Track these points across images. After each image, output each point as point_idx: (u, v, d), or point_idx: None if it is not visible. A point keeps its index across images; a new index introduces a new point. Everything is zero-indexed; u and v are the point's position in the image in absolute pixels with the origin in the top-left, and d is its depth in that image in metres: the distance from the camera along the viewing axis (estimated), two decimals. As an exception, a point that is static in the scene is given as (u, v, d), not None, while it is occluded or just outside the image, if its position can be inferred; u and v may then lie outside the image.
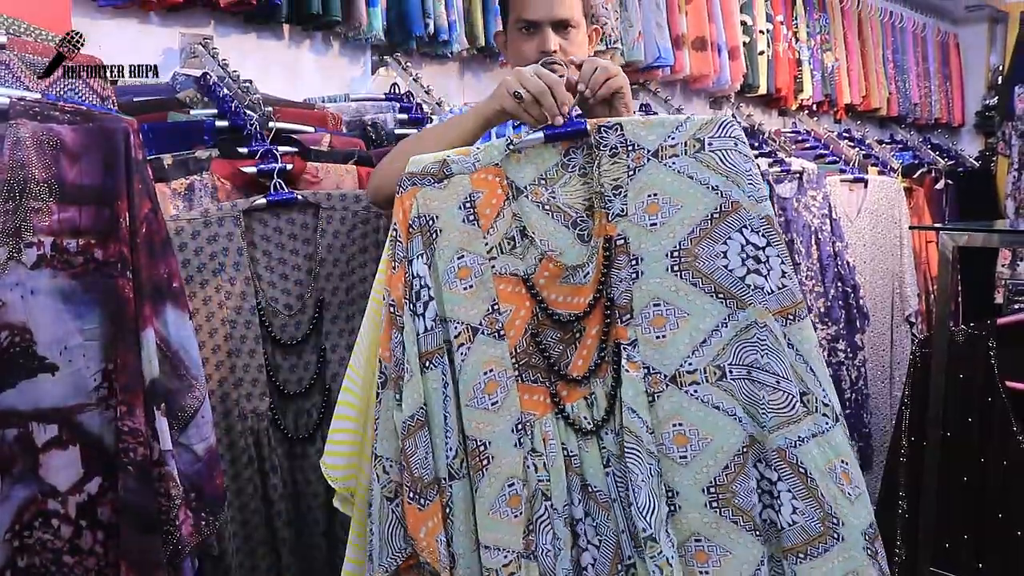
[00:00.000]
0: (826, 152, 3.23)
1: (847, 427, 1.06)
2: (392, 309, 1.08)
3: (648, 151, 1.08)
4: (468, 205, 1.09)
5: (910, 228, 2.98)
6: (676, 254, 1.06)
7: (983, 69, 5.33)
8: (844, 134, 3.68)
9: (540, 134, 1.11)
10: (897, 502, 1.81)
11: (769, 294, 1.05)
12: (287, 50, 2.24)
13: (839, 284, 2.66)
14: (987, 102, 5.19)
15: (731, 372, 1.05)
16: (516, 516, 1.05)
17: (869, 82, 4.26)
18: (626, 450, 1.05)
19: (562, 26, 1.48)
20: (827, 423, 1.03)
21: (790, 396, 1.03)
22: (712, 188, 1.06)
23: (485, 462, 1.05)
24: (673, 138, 1.07)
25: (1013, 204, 3.59)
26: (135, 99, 1.59)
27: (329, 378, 1.47)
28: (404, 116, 1.99)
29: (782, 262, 1.05)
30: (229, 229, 1.40)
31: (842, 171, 2.98)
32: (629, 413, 1.05)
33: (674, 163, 1.07)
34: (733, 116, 1.06)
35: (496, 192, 1.10)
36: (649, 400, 1.06)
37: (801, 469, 1.02)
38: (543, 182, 1.12)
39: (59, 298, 1.06)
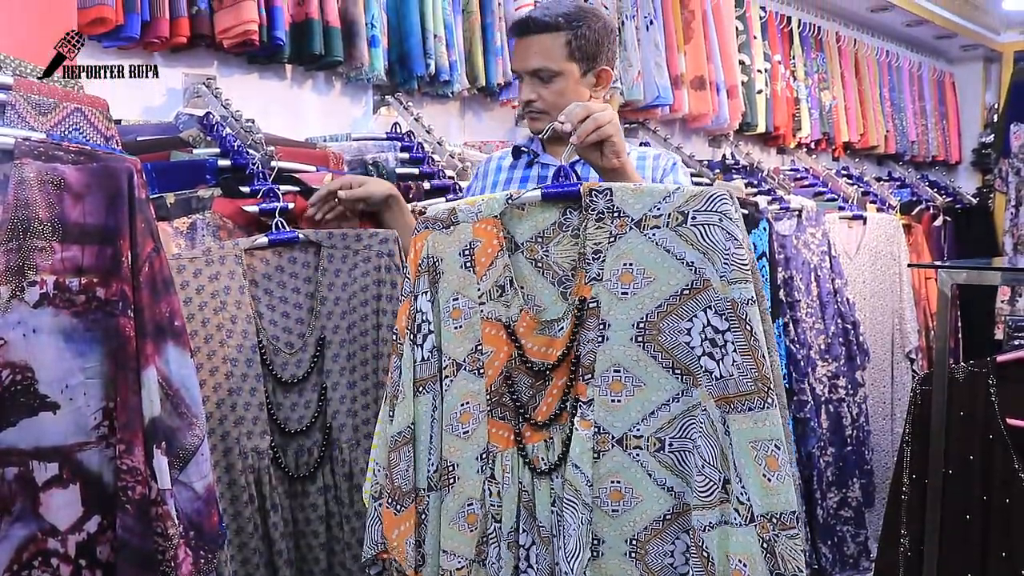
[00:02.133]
0: (825, 190, 3.29)
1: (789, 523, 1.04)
2: (395, 337, 1.21)
3: (632, 219, 1.11)
4: (467, 252, 1.18)
5: (909, 266, 3.02)
6: (642, 325, 1.10)
7: (979, 107, 5.39)
8: (842, 172, 3.74)
9: (538, 192, 1.17)
10: (899, 540, 1.79)
11: (716, 379, 1.06)
12: (289, 90, 2.28)
13: (839, 321, 2.70)
14: (983, 139, 5.24)
15: (670, 445, 1.10)
16: (471, 531, 1.18)
17: (867, 120, 4.32)
18: (565, 500, 1.13)
19: (540, 76, 1.52)
20: (737, 518, 1.05)
21: (711, 482, 1.07)
22: (687, 264, 1.08)
23: (452, 481, 1.18)
24: (659, 209, 1.10)
25: (1011, 240, 3.64)
26: (138, 138, 1.63)
27: (330, 416, 1.49)
28: (405, 155, 2.05)
29: (735, 350, 1.05)
30: (231, 267, 1.43)
31: (841, 208, 3.03)
32: (572, 468, 1.12)
33: (654, 234, 1.10)
34: (727, 193, 1.07)
35: (493, 242, 1.17)
36: (595, 456, 1.12)
37: (705, 553, 1.06)
38: (540, 240, 1.18)
39: (61, 337, 1.06)
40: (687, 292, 1.09)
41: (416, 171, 2.02)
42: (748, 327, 1.05)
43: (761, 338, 1.06)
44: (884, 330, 2.99)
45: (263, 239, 1.48)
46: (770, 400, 1.04)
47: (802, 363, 2.55)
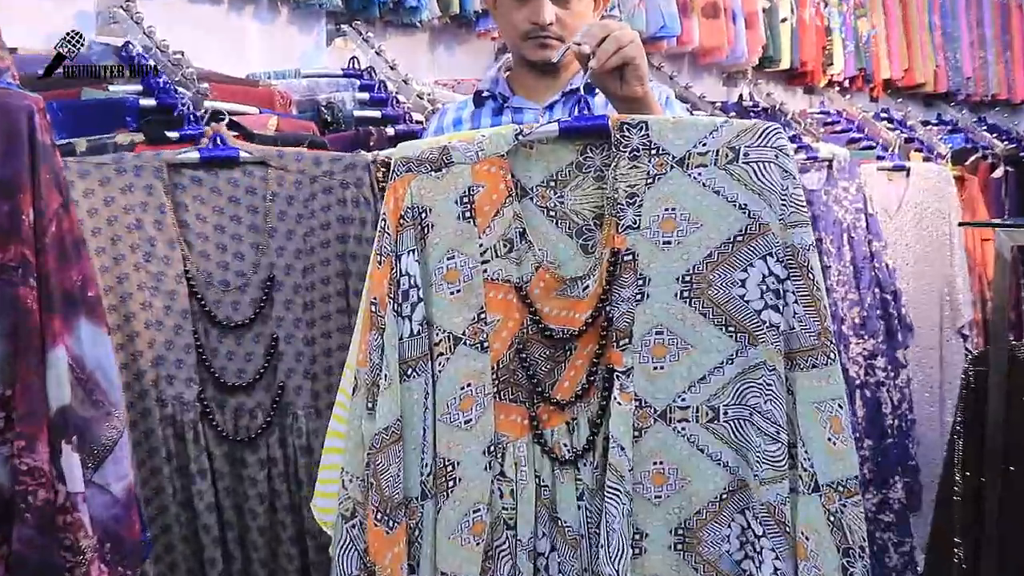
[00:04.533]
0: (860, 136, 3.30)
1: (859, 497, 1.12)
2: (374, 308, 1.15)
3: (673, 157, 1.13)
4: (466, 200, 1.15)
5: (960, 225, 3.05)
6: (688, 278, 1.13)
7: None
8: (882, 115, 3.76)
9: (554, 126, 1.15)
10: (952, 549, 1.81)
11: (782, 333, 1.11)
12: (226, 17, 2.25)
13: (876, 290, 2.72)
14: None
15: (725, 414, 1.14)
16: (478, 544, 1.15)
17: (912, 53, 4.32)
18: (607, 489, 1.13)
19: None
20: (801, 487, 1.11)
21: (781, 448, 1.12)
22: (740, 207, 1.11)
23: (451, 483, 1.15)
24: (705, 144, 1.12)
25: (1084, 194, 3.67)
26: (41, 72, 1.57)
27: (283, 374, 1.48)
28: (365, 95, 2.02)
29: (797, 301, 1.10)
30: (148, 181, 1.41)
31: (880, 158, 3.04)
32: (616, 450, 1.13)
33: (700, 174, 1.12)
34: (780, 123, 1.10)
35: (499, 187, 1.16)
36: (635, 435, 1.14)
37: (788, 528, 1.11)
38: (553, 184, 1.18)
39: (-55, 311, 1.03)
40: (741, 238, 1.12)
41: (378, 114, 2.00)
42: (811, 276, 1.10)
43: (822, 288, 1.11)
44: (931, 301, 3.02)
45: (193, 153, 1.44)
46: (832, 355, 1.11)
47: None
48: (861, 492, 1.12)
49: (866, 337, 2.68)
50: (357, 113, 1.96)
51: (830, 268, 2.62)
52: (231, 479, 1.49)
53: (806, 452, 1.10)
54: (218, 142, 1.47)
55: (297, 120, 1.87)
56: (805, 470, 1.11)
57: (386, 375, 1.13)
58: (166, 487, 1.42)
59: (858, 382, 2.66)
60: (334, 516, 1.19)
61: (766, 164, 1.10)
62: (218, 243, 1.48)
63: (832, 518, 1.10)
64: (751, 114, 3.09)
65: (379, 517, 1.12)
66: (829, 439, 1.09)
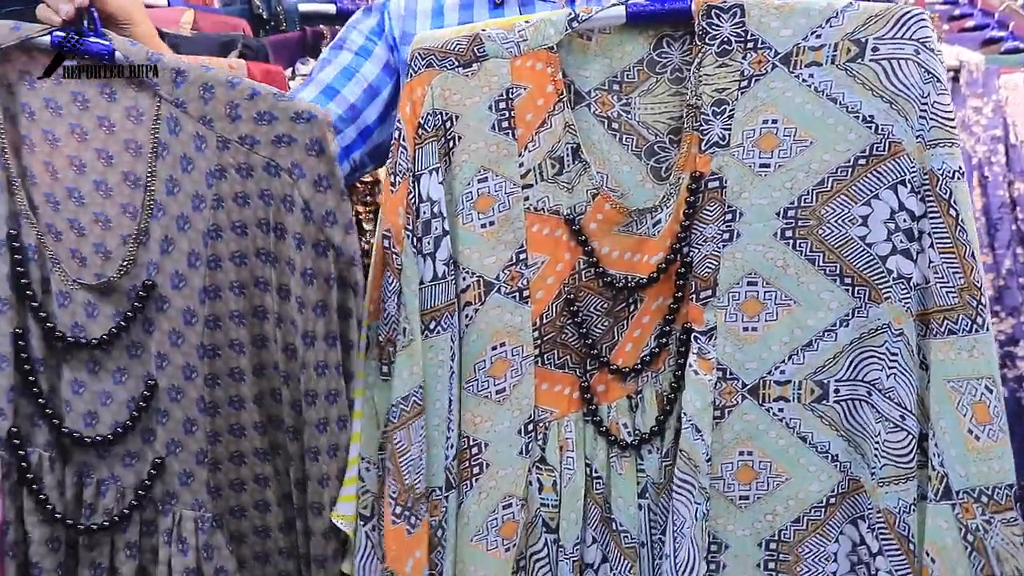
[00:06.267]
0: (1002, 35, 3.25)
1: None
2: (387, 243, 1.12)
3: (776, 53, 1.09)
4: (503, 105, 1.13)
5: None
6: (793, 213, 1.10)
7: None
8: (1035, 4, 3.70)
9: (619, 10, 1.12)
10: None
11: (915, 288, 1.08)
12: None
13: (1019, 251, 2.70)
14: None
15: (836, 392, 1.12)
16: (507, 549, 1.14)
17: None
18: (676, 483, 1.12)
19: None
20: (928, 492, 1.08)
21: (910, 439, 1.08)
22: (864, 120, 1.08)
23: (476, 470, 1.15)
24: (819, 36, 1.08)
25: None
26: None
27: (162, 443, 1.18)
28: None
29: (933, 245, 1.07)
30: None
31: (1027, 65, 3.00)
32: (690, 432, 1.11)
33: (812, 75, 1.08)
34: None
35: (545, 89, 1.13)
36: (716, 416, 1.12)
37: (912, 546, 1.08)
38: (616, 87, 1.15)
39: None
40: (864, 161, 1.08)
41: (331, 8, 1.94)
42: (953, 212, 1.06)
43: (971, 230, 1.06)
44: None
45: (43, 38, 1.16)
46: (980, 320, 1.06)
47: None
48: (1017, 508, 1.06)
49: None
50: (303, 7, 1.91)
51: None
52: None
53: (936, 446, 1.07)
54: (87, 26, 1.18)
55: (221, 16, 1.81)
56: (935, 469, 1.07)
57: (405, 329, 1.11)
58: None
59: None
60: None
61: (902, 62, 1.06)
62: (74, 187, 1.18)
63: (969, 537, 1.06)
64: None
65: (398, 512, 1.11)
66: (970, 431, 1.05)
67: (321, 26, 1.87)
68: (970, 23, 3.37)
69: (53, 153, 1.19)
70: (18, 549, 1.20)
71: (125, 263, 1.18)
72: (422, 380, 1.11)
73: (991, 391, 1.06)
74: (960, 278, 1.06)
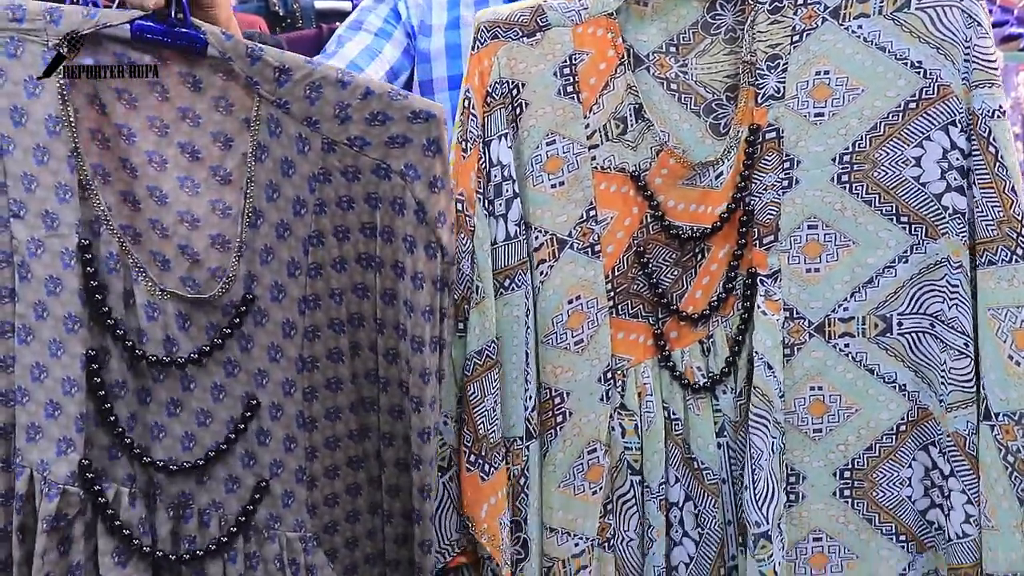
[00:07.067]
0: (1020, 32, 3.28)
1: None
2: (460, 206, 1.18)
3: (825, 7, 1.16)
4: (567, 71, 1.19)
5: None
6: (848, 158, 1.16)
7: None
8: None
9: None
10: None
11: (969, 222, 1.15)
12: None
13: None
14: None
15: (900, 325, 1.18)
16: (595, 492, 1.20)
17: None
18: (752, 417, 1.18)
19: None
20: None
21: (974, 365, 1.14)
22: (912, 65, 1.14)
23: (560, 419, 1.20)
24: None
25: None
26: None
27: (265, 464, 1.12)
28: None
29: (976, 181, 1.13)
30: (32, 61, 1.03)
31: (1051, 63, 3.02)
32: (763, 369, 1.18)
33: (861, 27, 1.15)
34: None
35: (607, 54, 1.19)
36: (786, 354, 1.18)
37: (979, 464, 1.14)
38: (673, 49, 1.21)
39: None
40: (915, 105, 1.15)
41: (348, 5, 1.88)
42: (993, 149, 1.12)
43: (1011, 166, 1.12)
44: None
45: (122, 23, 1.05)
46: (1020, 251, 1.12)
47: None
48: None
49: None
50: (319, 4, 1.88)
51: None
52: None
53: (977, 370, 1.14)
54: (175, 14, 1.06)
55: (238, 13, 1.73)
56: (976, 392, 1.14)
57: (478, 287, 1.17)
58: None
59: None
60: None
61: (946, 9, 1.12)
62: (155, 186, 1.09)
63: (1010, 458, 1.12)
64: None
65: (472, 460, 1.16)
66: (1010, 356, 1.11)
67: (337, 23, 1.88)
68: (992, 18, 3.38)
69: (130, 150, 1.08)
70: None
71: (227, 279, 1.10)
72: (495, 335, 1.17)
73: None
74: (999, 211, 1.12)
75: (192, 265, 1.10)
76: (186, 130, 1.09)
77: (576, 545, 1.20)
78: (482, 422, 1.16)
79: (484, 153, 1.18)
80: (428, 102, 1.10)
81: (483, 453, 1.16)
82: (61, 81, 1.03)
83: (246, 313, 1.10)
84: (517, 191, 1.19)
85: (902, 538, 1.20)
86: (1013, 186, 1.11)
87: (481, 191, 1.18)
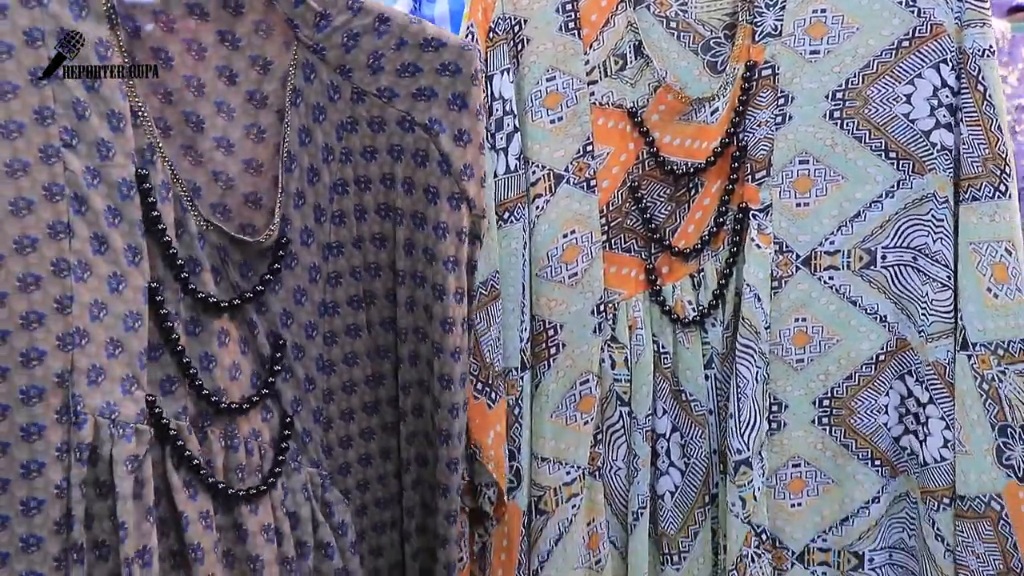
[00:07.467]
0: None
1: None
2: None
3: None
4: (569, 7, 1.21)
5: None
6: (840, 95, 1.19)
7: None
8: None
9: None
10: None
11: (954, 159, 1.17)
12: None
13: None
14: None
15: (884, 258, 1.21)
16: (586, 423, 1.23)
17: None
18: (739, 349, 1.22)
19: None
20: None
21: (951, 298, 1.18)
22: (907, 4, 1.16)
23: (553, 350, 1.23)
24: None
25: None
26: None
27: (288, 402, 1.12)
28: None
29: (964, 119, 1.16)
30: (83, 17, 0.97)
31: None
32: (752, 300, 1.21)
33: None
34: None
35: None
36: (773, 286, 1.22)
37: (961, 394, 1.18)
38: None
39: None
40: (907, 43, 1.17)
41: None
42: (981, 88, 1.15)
43: (998, 104, 1.15)
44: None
45: None
46: (1003, 188, 1.15)
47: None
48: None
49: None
50: None
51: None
52: (230, 557, 1.09)
53: (956, 302, 1.18)
54: None
55: None
56: (954, 323, 1.18)
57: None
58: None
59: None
60: None
61: None
62: (190, 145, 1.06)
63: (984, 386, 1.16)
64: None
65: (479, 388, 1.18)
66: (988, 289, 1.15)
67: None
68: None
69: (165, 109, 1.05)
70: (169, 537, 1.06)
71: (272, 224, 1.09)
72: (498, 266, 1.19)
73: (1010, 253, 1.15)
74: (985, 149, 1.15)
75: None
76: (222, 89, 1.07)
77: (568, 474, 1.23)
78: (488, 351, 1.18)
79: (486, 87, 1.20)
80: (460, 51, 1.09)
81: (489, 381, 1.19)
82: (107, 2, 0.99)
83: (283, 257, 1.10)
84: (518, 125, 1.21)
85: (876, 463, 1.23)
86: (999, 124, 1.15)
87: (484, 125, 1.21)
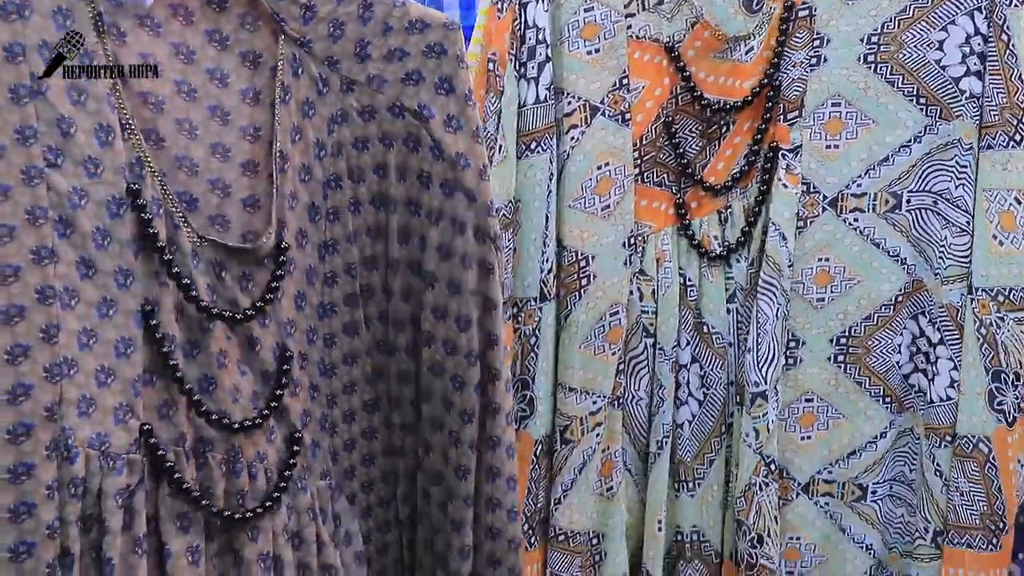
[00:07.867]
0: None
1: None
2: (491, 66, 1.20)
3: None
4: None
5: None
6: (875, 39, 1.21)
7: None
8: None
9: None
10: None
11: (978, 106, 1.19)
12: None
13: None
14: None
15: (908, 202, 1.24)
16: (614, 353, 1.25)
17: None
18: (761, 285, 1.24)
19: None
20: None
21: (970, 240, 1.21)
22: None
23: (584, 281, 1.25)
24: None
25: None
26: None
27: (296, 414, 1.07)
28: None
29: (988, 69, 1.18)
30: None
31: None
32: (777, 238, 1.24)
33: None
34: None
35: None
36: (799, 226, 1.25)
37: (985, 338, 1.21)
38: None
39: None
40: None
41: None
42: (1005, 37, 1.17)
43: (1021, 54, 1.17)
44: None
45: None
46: (1019, 137, 1.18)
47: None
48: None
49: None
50: None
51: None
52: None
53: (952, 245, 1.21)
54: None
55: None
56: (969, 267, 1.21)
57: (501, 146, 1.20)
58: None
59: None
60: None
61: None
62: (184, 155, 1.00)
63: (983, 330, 1.20)
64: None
65: None
66: (994, 236, 1.18)
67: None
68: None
69: (157, 119, 0.98)
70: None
71: (269, 228, 1.03)
72: (513, 195, 1.21)
73: (1020, 203, 1.18)
74: (1003, 98, 1.18)
75: (224, 233, 1.03)
76: (215, 93, 1.02)
77: (594, 403, 1.25)
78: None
79: (520, 14, 1.20)
80: (444, 31, 1.05)
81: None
82: (93, 11, 0.94)
83: (284, 264, 1.04)
84: (550, 56, 1.21)
85: (887, 399, 1.28)
86: (1020, 74, 1.17)
87: (514, 52, 1.20)
